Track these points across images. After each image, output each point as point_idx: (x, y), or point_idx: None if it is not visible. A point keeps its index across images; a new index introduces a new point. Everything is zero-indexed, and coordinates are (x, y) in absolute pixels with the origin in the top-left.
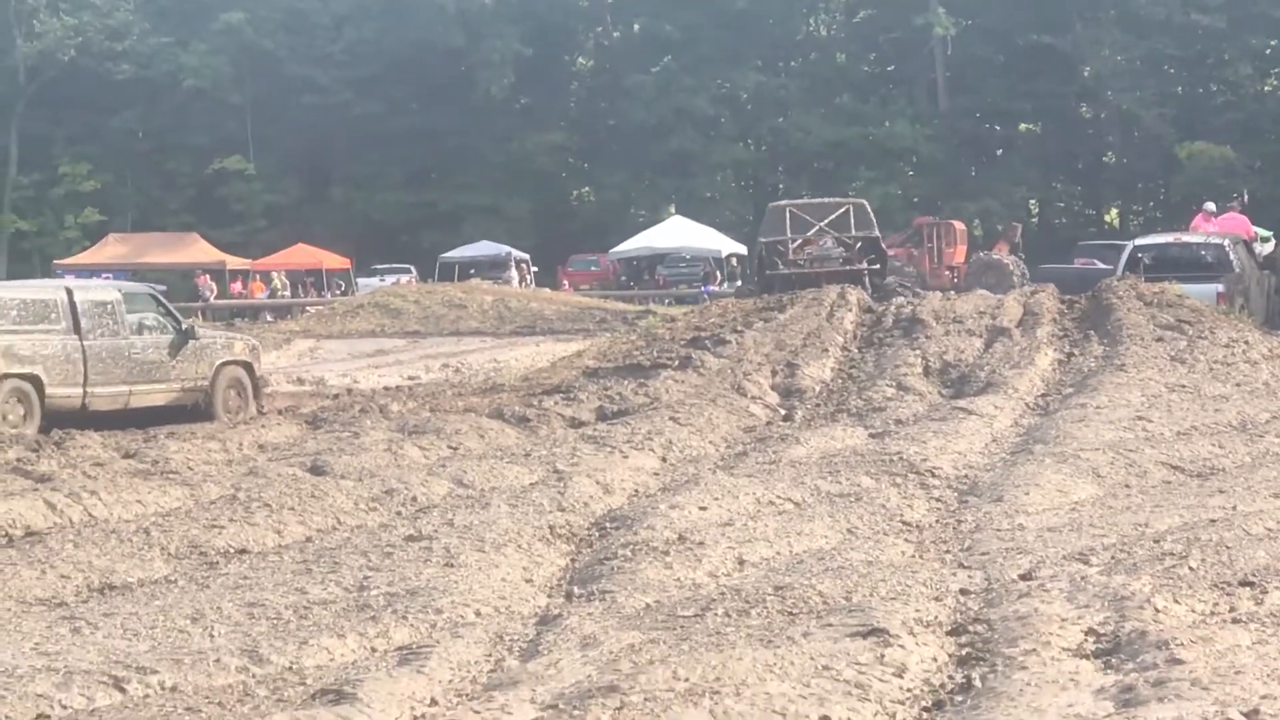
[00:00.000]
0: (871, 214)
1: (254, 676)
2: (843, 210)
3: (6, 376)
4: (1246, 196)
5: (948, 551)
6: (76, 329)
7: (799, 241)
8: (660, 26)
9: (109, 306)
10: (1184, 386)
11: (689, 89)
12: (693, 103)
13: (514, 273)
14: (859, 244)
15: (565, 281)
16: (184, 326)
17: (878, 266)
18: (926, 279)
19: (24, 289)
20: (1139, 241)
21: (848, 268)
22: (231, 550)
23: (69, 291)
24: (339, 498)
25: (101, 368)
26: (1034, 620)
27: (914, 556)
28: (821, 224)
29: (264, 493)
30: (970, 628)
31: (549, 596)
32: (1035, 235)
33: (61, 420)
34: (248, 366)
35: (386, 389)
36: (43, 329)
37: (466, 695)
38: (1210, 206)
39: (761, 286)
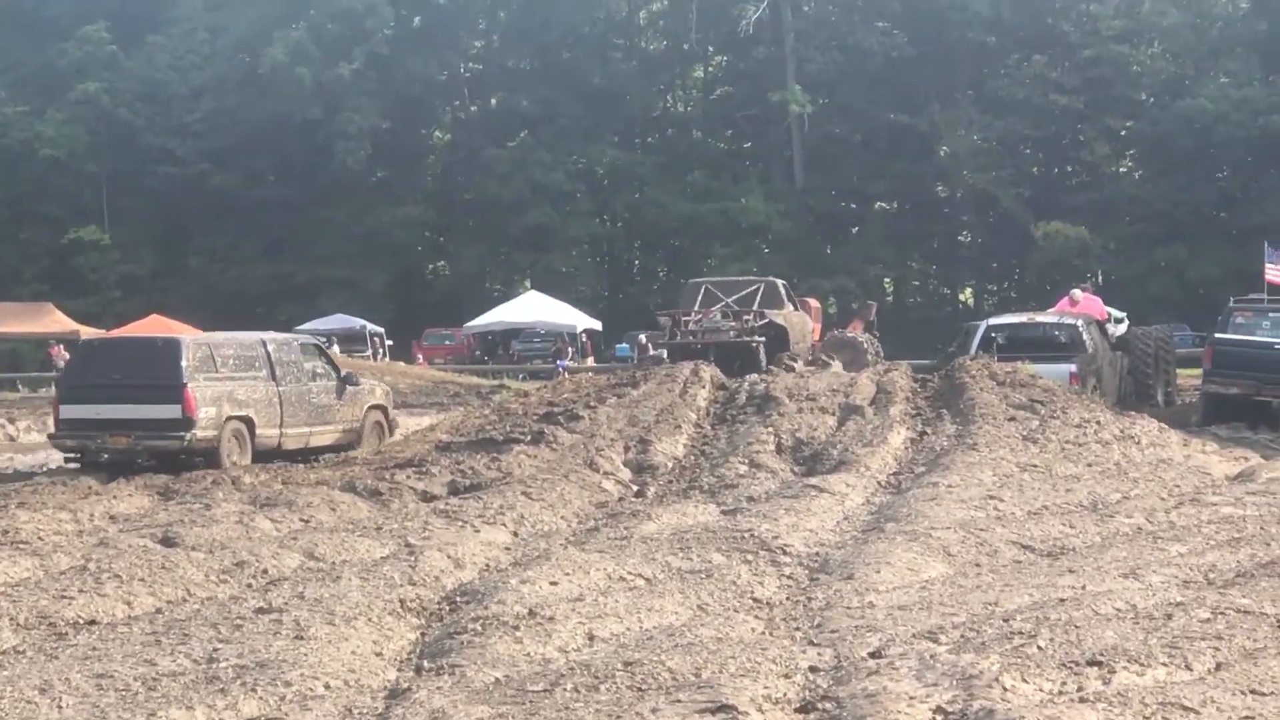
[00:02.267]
0: (784, 292)
1: None
2: (754, 288)
3: (230, 419)
4: (1100, 277)
5: (798, 629)
6: (273, 376)
7: (697, 316)
8: (517, 101)
9: (293, 356)
10: (1036, 466)
11: (545, 164)
12: (549, 177)
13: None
14: (749, 319)
15: (420, 355)
16: (344, 374)
17: (762, 339)
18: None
19: (232, 341)
20: (993, 321)
21: (737, 339)
22: (81, 621)
23: (264, 343)
24: (190, 569)
25: (291, 411)
26: (882, 698)
27: (764, 633)
28: (728, 300)
29: (114, 564)
30: (819, 705)
31: (399, 670)
32: (890, 314)
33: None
34: (384, 409)
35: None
36: (250, 376)
37: None
38: (1077, 294)
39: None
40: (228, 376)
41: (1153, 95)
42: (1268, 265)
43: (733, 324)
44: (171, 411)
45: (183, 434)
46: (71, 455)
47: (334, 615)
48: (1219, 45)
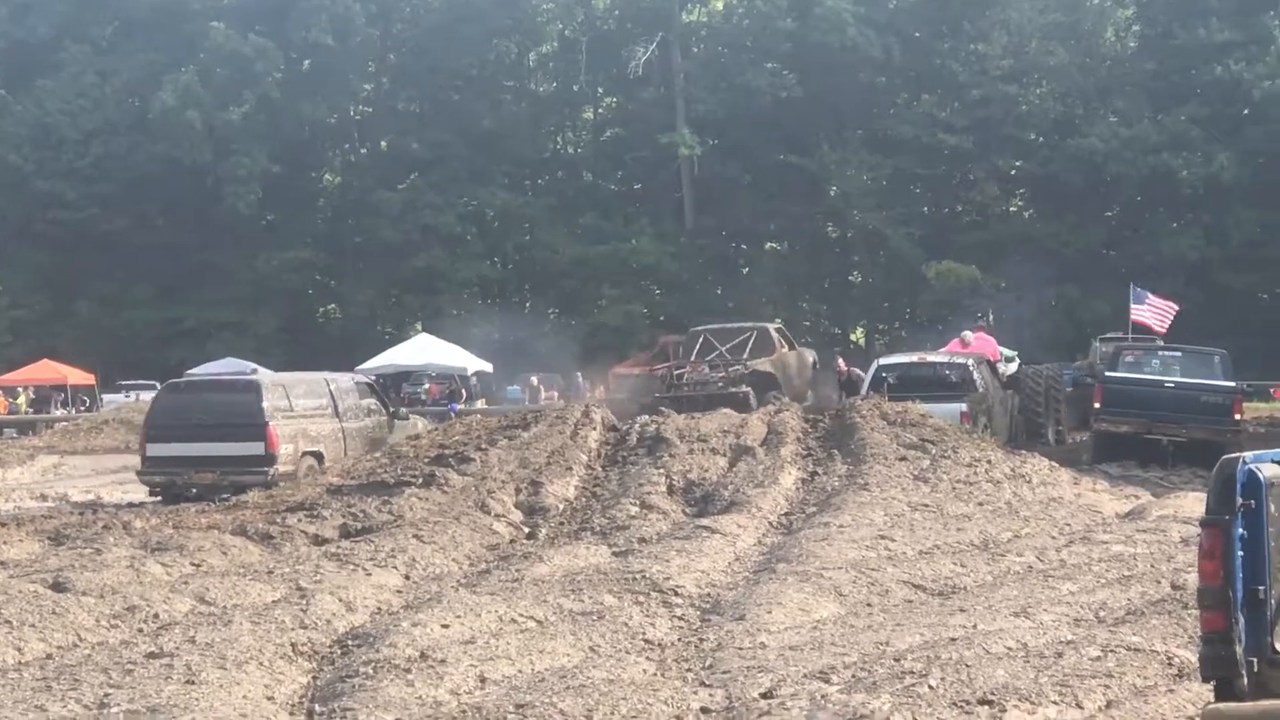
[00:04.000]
0: (776, 338)
1: None
2: (747, 335)
3: (304, 454)
4: (991, 316)
5: (689, 670)
6: (337, 413)
7: (688, 367)
8: (407, 144)
9: (352, 394)
10: (927, 506)
11: (436, 206)
12: (439, 220)
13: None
14: (737, 368)
15: None
16: (393, 410)
17: (748, 389)
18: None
19: (301, 381)
20: (883, 361)
21: (724, 390)
22: None
23: (328, 382)
24: (80, 615)
25: (353, 445)
26: None
27: (655, 675)
28: (723, 349)
29: (4, 609)
30: None
31: (290, 714)
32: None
33: None
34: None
35: (130, 505)
36: (318, 413)
37: None
38: (968, 336)
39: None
40: (300, 415)
41: (1042, 134)
42: (1133, 306)
43: (721, 374)
44: (255, 449)
45: (266, 469)
46: (156, 490)
47: (225, 659)
48: (1107, 84)
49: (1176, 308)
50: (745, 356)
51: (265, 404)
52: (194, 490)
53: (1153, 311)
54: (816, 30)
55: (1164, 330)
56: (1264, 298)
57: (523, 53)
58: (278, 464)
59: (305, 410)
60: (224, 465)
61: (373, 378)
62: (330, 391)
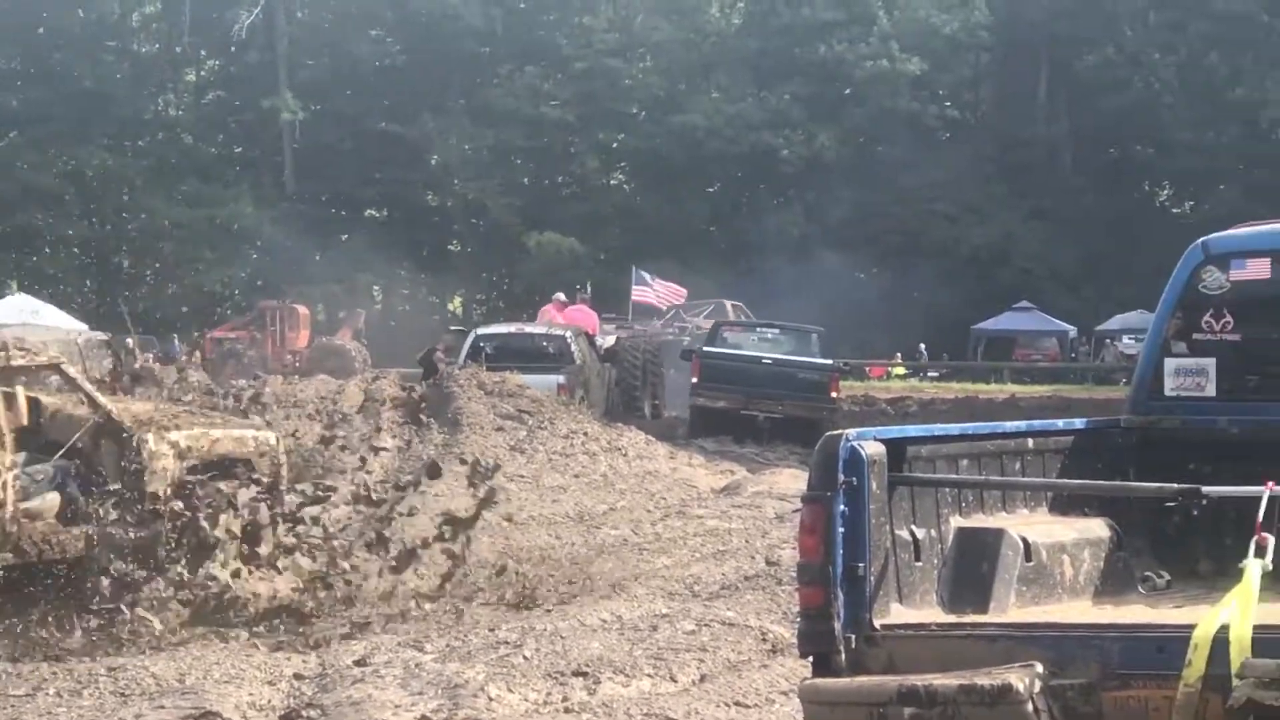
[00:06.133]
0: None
1: None
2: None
3: None
4: (590, 288)
5: (284, 636)
6: None
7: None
8: (7, 101)
9: None
10: (523, 476)
11: (34, 164)
12: (38, 179)
13: None
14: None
15: None
16: None
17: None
18: (269, 362)
19: None
20: (481, 331)
21: None
22: None
23: None
24: None
25: None
26: (367, 706)
27: (250, 641)
28: None
29: None
30: (304, 713)
31: None
32: (379, 321)
33: None
34: None
35: None
36: None
37: None
38: (561, 296)
39: None
40: None
41: (645, 109)
42: (635, 287)
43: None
44: None
45: None
46: None
47: None
48: (711, 61)
49: (685, 291)
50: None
51: None
52: None
53: (656, 293)
54: None
55: (680, 304)
56: (861, 276)
57: (125, 12)
58: None
59: None
60: None
61: None
62: None
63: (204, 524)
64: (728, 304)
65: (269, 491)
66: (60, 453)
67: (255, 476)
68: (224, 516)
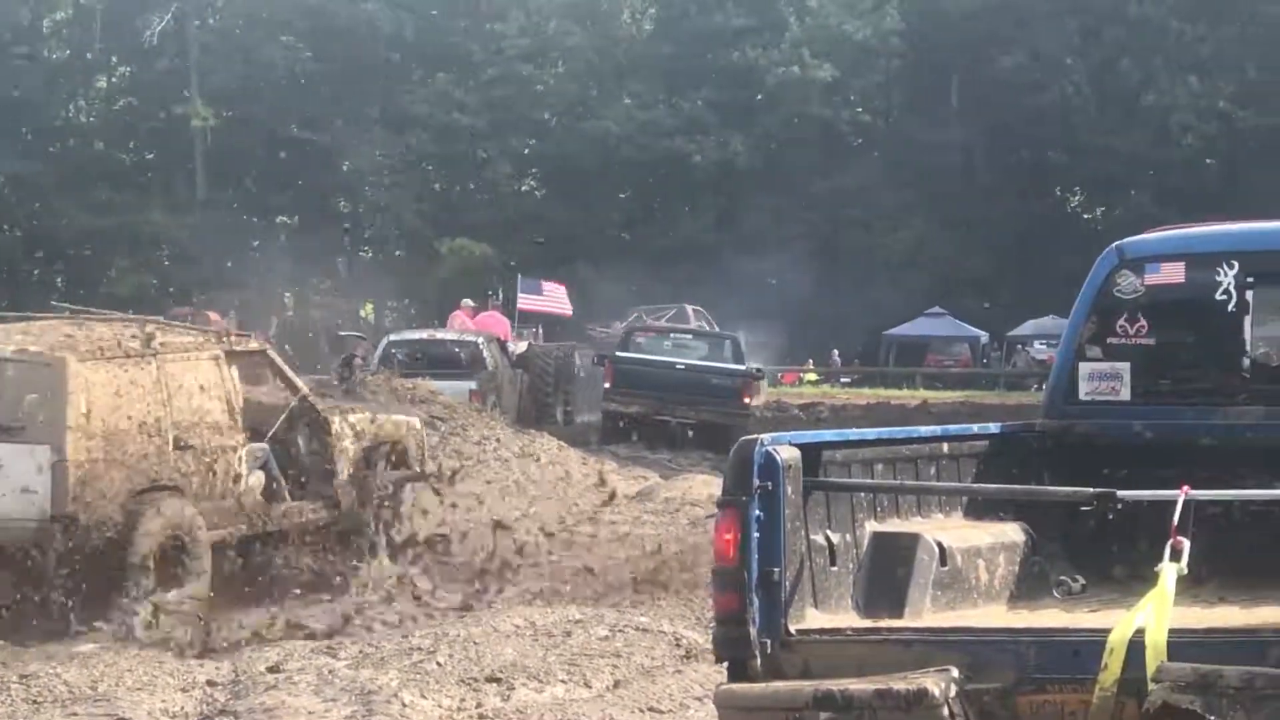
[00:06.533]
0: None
1: None
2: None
3: None
4: (502, 295)
5: (193, 643)
6: None
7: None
8: None
9: None
10: (435, 482)
11: None
12: None
13: None
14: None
15: None
16: None
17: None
18: None
19: None
20: (393, 337)
21: None
22: None
23: None
24: None
25: None
26: (280, 713)
27: (161, 647)
28: None
29: None
30: (217, 719)
31: None
32: (292, 327)
33: None
34: None
35: None
36: None
37: None
38: (469, 302)
39: None
40: None
41: (557, 115)
42: (522, 296)
43: None
44: None
45: None
46: None
47: None
48: (624, 67)
49: (561, 286)
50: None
51: None
52: None
53: (547, 302)
54: (332, 4)
55: (568, 313)
56: (774, 282)
57: (36, 18)
58: None
59: None
60: None
61: None
62: None
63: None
64: (689, 308)
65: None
66: (270, 433)
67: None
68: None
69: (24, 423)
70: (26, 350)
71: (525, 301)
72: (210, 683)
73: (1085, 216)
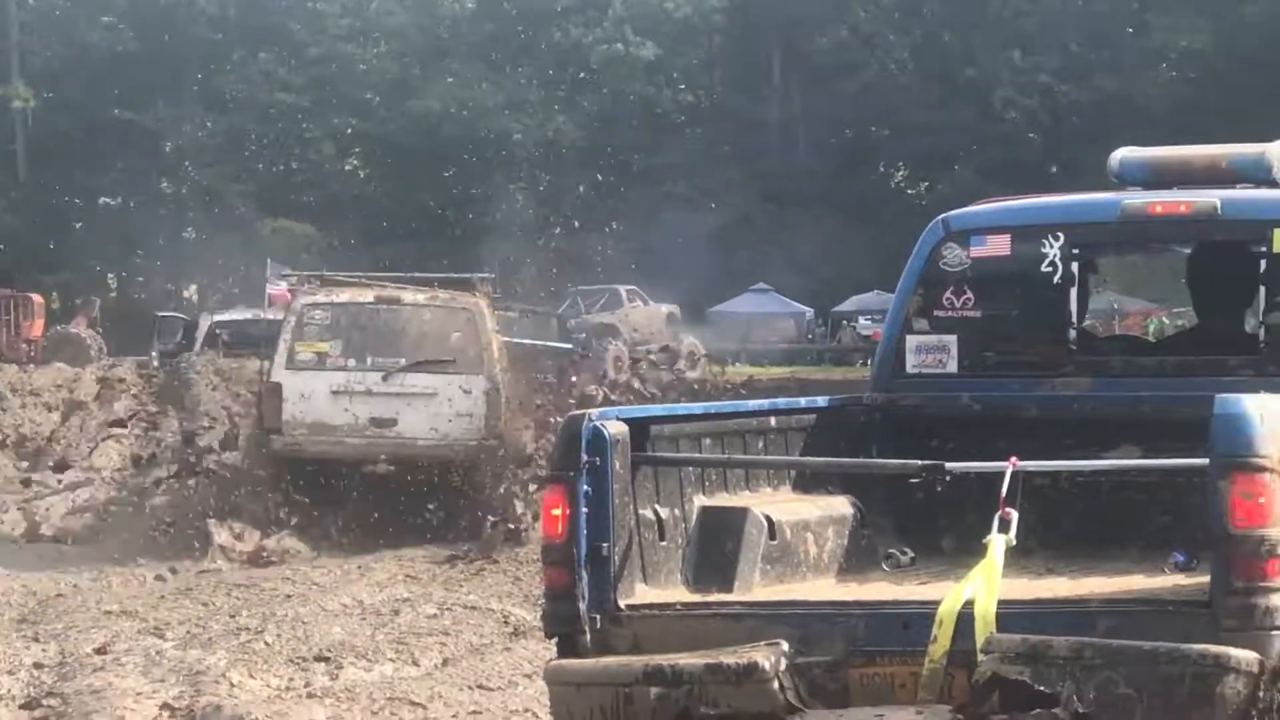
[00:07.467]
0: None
1: None
2: None
3: None
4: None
5: (23, 623)
6: None
7: None
8: None
9: None
10: None
11: None
12: None
13: None
14: None
15: None
16: None
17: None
18: (4, 352)
19: None
20: (218, 317)
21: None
22: None
23: None
24: None
25: None
26: (108, 694)
27: None
28: None
29: None
30: (44, 702)
31: None
32: (115, 310)
33: None
34: None
35: None
36: None
37: None
38: (285, 282)
39: None
40: None
41: (380, 95)
42: (269, 280)
43: None
44: None
45: None
46: None
47: None
48: (446, 46)
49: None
50: None
51: None
52: None
53: (291, 288)
54: None
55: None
56: (596, 260)
57: None
58: None
59: None
60: None
61: None
62: None
63: None
64: (622, 290)
65: None
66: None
67: None
68: None
69: (454, 357)
70: (438, 296)
71: (275, 287)
72: (37, 665)
73: (909, 192)
